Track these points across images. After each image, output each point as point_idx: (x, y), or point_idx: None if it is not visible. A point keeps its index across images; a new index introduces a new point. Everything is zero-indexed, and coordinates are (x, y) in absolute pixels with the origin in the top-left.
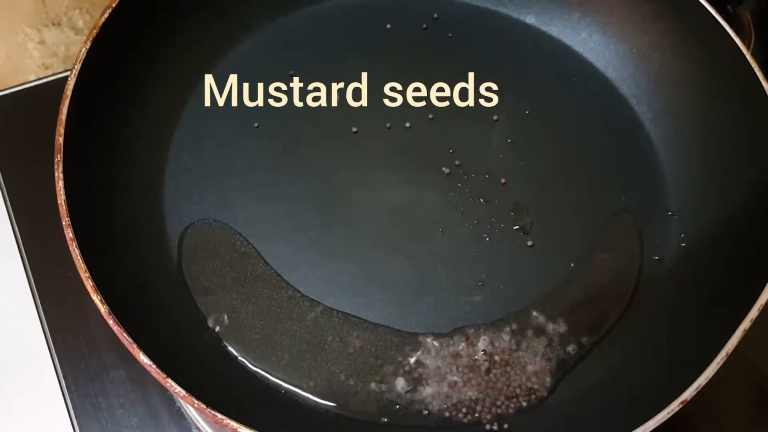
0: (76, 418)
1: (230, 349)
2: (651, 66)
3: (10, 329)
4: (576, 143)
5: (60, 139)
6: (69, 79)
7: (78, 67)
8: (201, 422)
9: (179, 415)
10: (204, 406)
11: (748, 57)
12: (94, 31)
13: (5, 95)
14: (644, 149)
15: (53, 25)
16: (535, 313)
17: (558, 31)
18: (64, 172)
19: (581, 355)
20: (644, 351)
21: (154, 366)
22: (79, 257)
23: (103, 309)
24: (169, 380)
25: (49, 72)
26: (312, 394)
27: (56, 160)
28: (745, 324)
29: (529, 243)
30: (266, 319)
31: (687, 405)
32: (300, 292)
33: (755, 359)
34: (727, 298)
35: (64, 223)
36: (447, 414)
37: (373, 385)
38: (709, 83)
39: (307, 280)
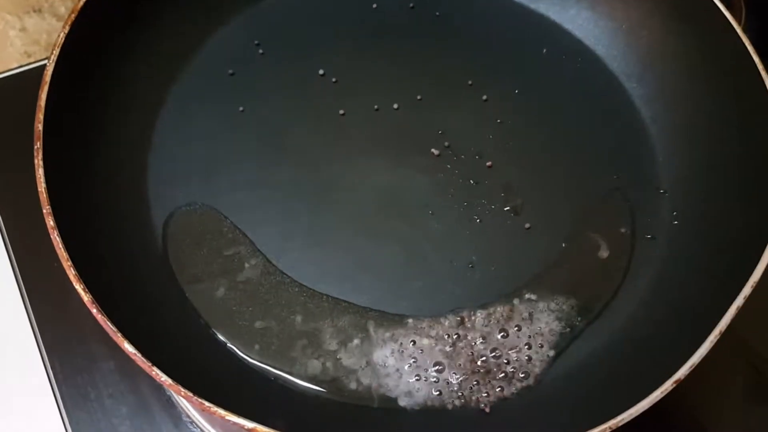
0: (65, 409)
1: (219, 336)
2: (641, 43)
3: None
4: (566, 122)
5: (39, 126)
6: (48, 64)
7: (57, 52)
8: (191, 410)
9: (169, 405)
10: (191, 394)
11: (740, 33)
12: (73, 15)
13: None
14: (635, 127)
15: (34, 12)
16: (526, 295)
17: (546, 8)
18: (44, 159)
19: (573, 335)
20: (637, 330)
21: (139, 355)
22: (60, 245)
23: (86, 297)
24: (155, 369)
25: (32, 59)
26: (302, 379)
27: (35, 147)
28: (739, 301)
29: (520, 224)
30: (255, 305)
31: (681, 384)
32: (289, 277)
33: (748, 337)
34: (720, 276)
35: (44, 211)
36: (437, 397)
37: (362, 370)
38: (700, 60)
39: (295, 265)
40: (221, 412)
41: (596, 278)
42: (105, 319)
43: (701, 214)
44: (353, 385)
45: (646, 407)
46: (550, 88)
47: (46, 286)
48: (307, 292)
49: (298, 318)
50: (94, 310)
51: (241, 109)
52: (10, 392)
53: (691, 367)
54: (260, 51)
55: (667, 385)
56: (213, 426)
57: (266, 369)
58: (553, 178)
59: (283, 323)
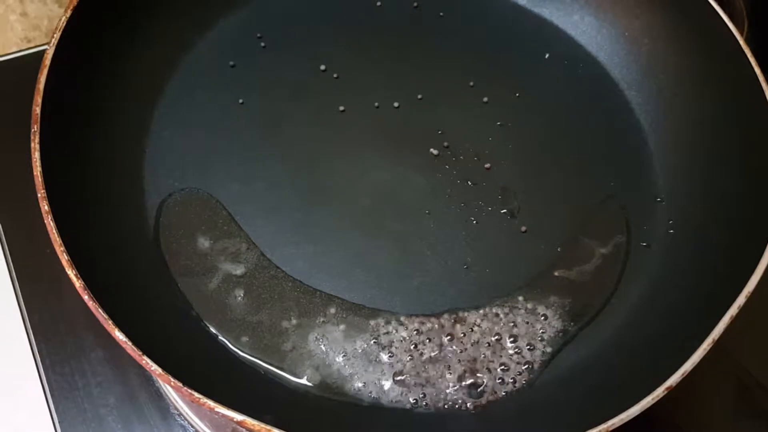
0: (51, 396)
1: (210, 328)
2: (642, 51)
3: None
4: (565, 127)
5: (37, 110)
6: (48, 48)
7: (57, 36)
8: (180, 402)
9: (157, 396)
10: (181, 385)
11: (742, 44)
12: (75, 0)
13: None
14: (634, 134)
15: None
16: (520, 298)
17: (550, 12)
18: (41, 143)
19: (566, 340)
20: (630, 337)
21: (130, 343)
22: (54, 230)
23: (78, 284)
24: (145, 357)
25: (32, 45)
26: (292, 375)
27: (33, 130)
28: (732, 311)
29: (516, 227)
30: (247, 298)
31: (670, 395)
32: (283, 271)
33: (736, 351)
34: (714, 285)
35: (39, 195)
36: (429, 397)
37: (353, 367)
38: (701, 69)
39: (290, 260)
40: (210, 403)
41: (590, 284)
42: (96, 306)
43: (697, 224)
44: (343, 383)
45: (637, 413)
46: (550, 92)
47: (36, 272)
48: (301, 288)
49: (291, 313)
50: (85, 297)
51: (240, 101)
52: None
53: (683, 374)
54: (262, 44)
55: (659, 392)
56: (201, 418)
57: (256, 363)
58: (550, 183)
59: (274, 317)
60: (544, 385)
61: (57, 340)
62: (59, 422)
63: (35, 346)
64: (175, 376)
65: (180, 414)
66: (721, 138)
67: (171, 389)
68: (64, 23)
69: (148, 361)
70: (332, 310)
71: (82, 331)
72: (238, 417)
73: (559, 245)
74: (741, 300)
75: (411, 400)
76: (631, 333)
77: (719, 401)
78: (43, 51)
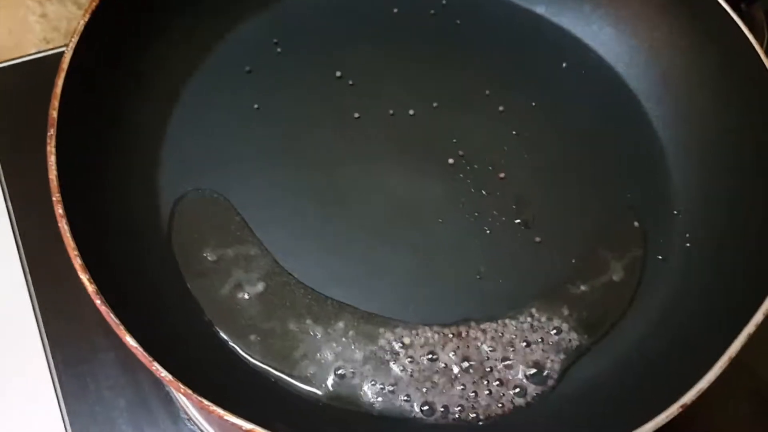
0: (63, 398)
1: (221, 334)
2: (662, 62)
3: (1, 309)
4: (582, 138)
5: (54, 113)
6: (66, 51)
7: (75, 39)
8: (189, 407)
9: (168, 400)
10: (191, 392)
11: (763, 57)
12: (93, 3)
13: (4, 68)
14: (651, 147)
15: None
16: (533, 309)
17: (568, 22)
18: (57, 147)
19: (580, 353)
20: (645, 352)
21: (141, 349)
22: (68, 234)
23: (90, 288)
24: (155, 364)
25: (50, 46)
26: (302, 383)
27: (49, 134)
28: (750, 328)
29: (531, 237)
30: (259, 304)
31: (686, 409)
32: (295, 278)
33: (753, 364)
34: (731, 301)
35: (54, 198)
36: (438, 408)
37: (364, 376)
38: (720, 82)
39: (302, 267)
40: (220, 411)
41: (605, 297)
42: (108, 311)
43: (714, 238)
44: (354, 392)
45: (651, 431)
46: (567, 102)
47: (51, 275)
48: (313, 295)
49: (302, 320)
50: (98, 302)
51: (256, 106)
52: (10, 379)
53: (698, 392)
54: (278, 50)
55: (673, 410)
56: (210, 424)
57: (267, 370)
58: (566, 193)
59: (286, 325)
60: (557, 399)
61: (70, 343)
62: (71, 424)
63: (48, 348)
64: (185, 383)
65: (190, 419)
66: (739, 152)
67: (181, 395)
68: (82, 27)
69: (158, 367)
70: (344, 319)
71: (95, 333)
72: (247, 426)
73: (574, 257)
74: (759, 317)
75: (421, 410)
76: (646, 348)
77: (735, 414)
78: (62, 53)
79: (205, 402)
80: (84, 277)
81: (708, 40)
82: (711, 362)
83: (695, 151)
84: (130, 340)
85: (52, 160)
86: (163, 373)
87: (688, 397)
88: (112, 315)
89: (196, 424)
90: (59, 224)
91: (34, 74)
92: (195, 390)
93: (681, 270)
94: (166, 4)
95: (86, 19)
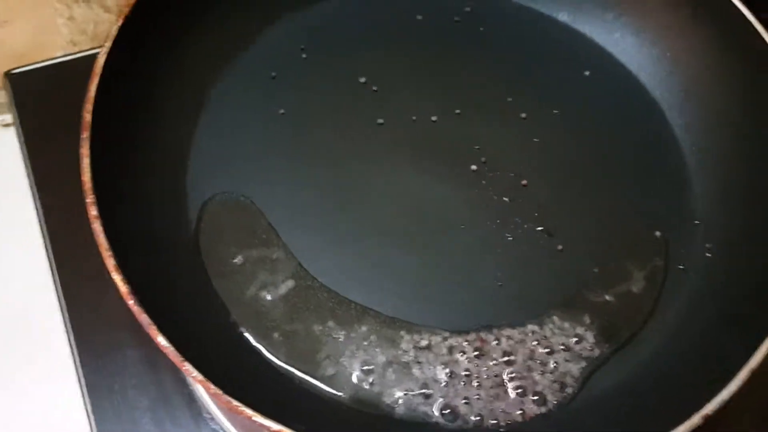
0: (88, 395)
1: (247, 335)
2: (684, 72)
3: (28, 304)
4: (604, 146)
5: (87, 116)
6: (99, 55)
7: (109, 44)
8: (212, 407)
9: (190, 399)
10: (220, 392)
11: None
12: (127, 9)
13: (32, 70)
14: (673, 156)
15: (83, 1)
16: (554, 317)
17: (591, 30)
18: (90, 149)
19: (600, 362)
20: (665, 361)
21: (172, 348)
22: (101, 235)
23: (123, 288)
24: (186, 364)
25: (77, 49)
26: (325, 384)
27: (82, 136)
28: None
29: (552, 245)
30: (284, 307)
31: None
32: (319, 282)
33: None
34: (753, 311)
35: (88, 200)
36: (459, 414)
37: (386, 379)
38: (744, 92)
39: (326, 270)
40: (249, 412)
41: (626, 306)
42: (141, 310)
43: (735, 248)
44: (375, 395)
45: None
46: (589, 110)
47: (78, 272)
48: (336, 299)
49: (326, 323)
50: (130, 302)
51: (281, 111)
52: (36, 375)
53: (721, 402)
54: (304, 56)
55: (696, 419)
56: (233, 424)
57: (291, 372)
58: (587, 201)
59: (310, 327)
60: (577, 407)
61: (96, 341)
62: (95, 422)
63: (74, 346)
64: (215, 383)
65: (212, 418)
66: (762, 163)
67: (204, 393)
68: (116, 31)
69: (189, 367)
70: (367, 323)
71: (121, 332)
72: (275, 426)
73: (596, 265)
74: None
75: (441, 415)
76: (667, 357)
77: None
78: (89, 55)
79: (234, 402)
80: (117, 278)
81: (731, 51)
82: (733, 372)
83: (717, 161)
84: (162, 341)
85: (86, 162)
86: (194, 374)
87: (711, 407)
88: (144, 315)
89: (218, 423)
90: (93, 225)
91: (60, 77)
92: (225, 390)
93: (702, 280)
94: (194, 12)
95: (120, 24)
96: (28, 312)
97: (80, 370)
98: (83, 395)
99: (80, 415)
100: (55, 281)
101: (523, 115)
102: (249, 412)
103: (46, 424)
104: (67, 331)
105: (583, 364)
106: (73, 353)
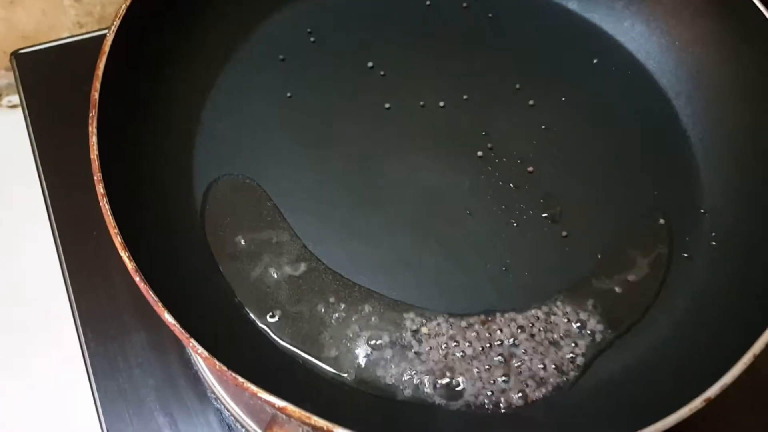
0: (94, 376)
1: (251, 316)
2: (693, 62)
3: (35, 287)
4: (611, 134)
5: (96, 95)
6: (108, 34)
7: (118, 23)
8: (217, 386)
9: (195, 379)
10: (225, 369)
11: None
12: None
13: (38, 51)
14: (680, 145)
15: None
16: (558, 303)
17: (600, 18)
18: (97, 128)
19: (603, 347)
20: (668, 347)
21: (178, 326)
22: (109, 213)
23: (130, 265)
24: (192, 340)
25: (83, 30)
26: (329, 365)
27: (91, 114)
28: None
29: (557, 232)
30: (288, 288)
31: (705, 409)
32: (324, 264)
33: None
34: (756, 299)
35: (96, 178)
36: (461, 395)
37: (390, 361)
38: (752, 83)
39: (331, 253)
40: (253, 388)
41: (630, 293)
42: (147, 288)
43: (740, 238)
44: (378, 376)
45: (673, 423)
46: (597, 98)
47: (84, 254)
48: (341, 281)
49: (330, 305)
50: (137, 279)
51: (289, 95)
52: (42, 356)
53: (722, 387)
54: (312, 39)
55: (697, 403)
56: (237, 403)
57: (295, 352)
58: (593, 189)
59: (314, 308)
60: (579, 391)
61: (102, 322)
62: (100, 402)
63: (80, 326)
64: (220, 360)
65: (217, 398)
66: None
67: (209, 373)
68: (124, 11)
69: (195, 344)
70: (370, 305)
71: (126, 313)
72: (280, 403)
73: (600, 252)
74: None
75: (443, 397)
76: (669, 343)
77: (752, 415)
78: (95, 37)
79: (240, 379)
80: (124, 255)
81: (741, 41)
82: (735, 358)
83: (724, 151)
84: (168, 317)
85: (93, 140)
86: (199, 350)
87: (713, 391)
88: (151, 292)
89: (222, 403)
90: (100, 203)
91: (67, 58)
92: (230, 367)
93: (706, 268)
94: None
95: (128, 4)
96: (36, 296)
97: (86, 350)
98: (89, 374)
99: (86, 395)
100: (60, 263)
101: (531, 102)
102: (254, 388)
103: (52, 406)
104: (73, 313)
105: (586, 349)
106: (78, 335)
